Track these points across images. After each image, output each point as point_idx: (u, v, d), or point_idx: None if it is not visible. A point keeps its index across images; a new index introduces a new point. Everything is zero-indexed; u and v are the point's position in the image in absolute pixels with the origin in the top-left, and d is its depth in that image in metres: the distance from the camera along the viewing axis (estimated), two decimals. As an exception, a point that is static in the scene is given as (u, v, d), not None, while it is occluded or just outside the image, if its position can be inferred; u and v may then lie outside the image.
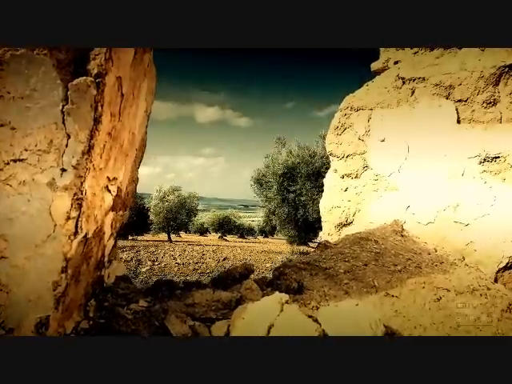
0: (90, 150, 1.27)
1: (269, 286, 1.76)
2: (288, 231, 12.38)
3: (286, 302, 1.49)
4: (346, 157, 3.16)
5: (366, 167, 3.07)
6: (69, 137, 1.23)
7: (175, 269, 9.47)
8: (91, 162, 1.29)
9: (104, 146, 1.38)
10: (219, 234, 19.90)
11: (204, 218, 21.37)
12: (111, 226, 1.63)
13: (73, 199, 1.24)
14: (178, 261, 10.71)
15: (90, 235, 1.36)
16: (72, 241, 1.26)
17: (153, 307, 1.57)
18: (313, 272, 1.94)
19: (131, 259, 10.85)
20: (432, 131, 2.86)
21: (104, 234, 1.54)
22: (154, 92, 1.98)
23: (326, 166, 11.53)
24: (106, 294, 1.63)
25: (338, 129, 3.20)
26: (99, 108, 1.28)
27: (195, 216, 15.21)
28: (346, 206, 3.10)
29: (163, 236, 15.91)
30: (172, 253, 11.82)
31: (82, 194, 1.27)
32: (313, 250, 10.70)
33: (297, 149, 11.91)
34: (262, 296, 1.67)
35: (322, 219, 3.29)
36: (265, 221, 13.39)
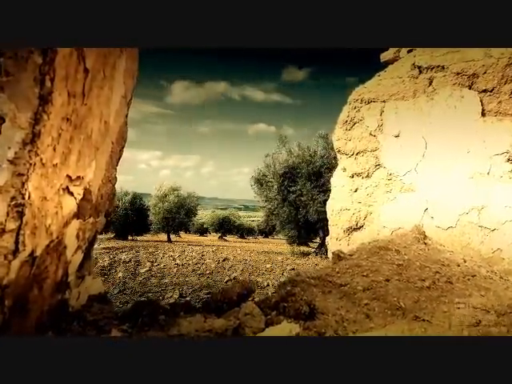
0: (34, 138, 0.92)
1: (273, 309, 1.41)
2: (288, 231, 12.07)
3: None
4: (356, 154, 2.80)
5: (378, 165, 2.72)
6: (3, 120, 0.88)
7: (174, 269, 9.15)
8: (38, 155, 0.94)
9: (60, 134, 1.03)
10: (219, 234, 19.58)
11: (204, 217, 21.05)
12: (77, 238, 1.28)
13: (10, 205, 0.89)
14: (178, 261, 10.39)
15: (39, 252, 1.02)
16: (10, 261, 0.91)
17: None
18: (325, 289, 1.59)
19: (130, 260, 10.54)
20: (453, 125, 2.51)
21: (65, 248, 1.19)
22: (136, 76, 1.63)
23: (327, 165, 11.22)
24: (71, 321, 1.28)
25: (347, 123, 2.84)
26: (48, 83, 0.93)
27: (195, 216, 14.87)
28: (355, 209, 2.75)
29: (163, 236, 15.58)
30: (171, 253, 11.50)
31: (23, 198, 0.92)
32: (313, 250, 10.34)
33: (297, 148, 11.60)
34: (266, 323, 1.32)
35: (328, 222, 2.94)
36: (265, 221, 13.07)
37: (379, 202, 2.69)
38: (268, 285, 7.23)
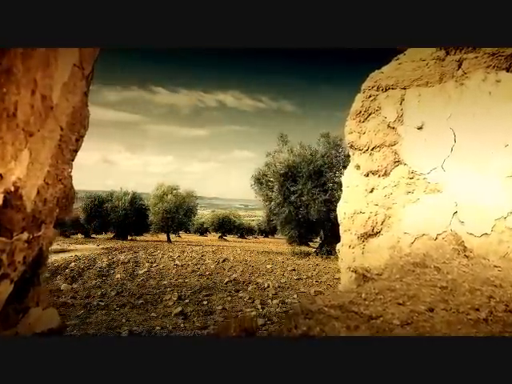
0: None
1: (283, 357, 0.99)
2: (288, 231, 11.69)
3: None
4: (372, 149, 2.38)
5: (397, 162, 2.30)
6: None
7: (173, 271, 8.74)
8: None
9: None
10: (219, 234, 19.19)
11: (204, 217, 20.68)
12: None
13: None
14: (177, 262, 9.98)
15: None
16: None
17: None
18: (351, 324, 1.17)
19: (129, 261, 10.13)
20: (487, 114, 2.09)
21: (-28, 281, 0.77)
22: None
23: (328, 165, 10.82)
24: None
25: (361, 114, 2.42)
26: None
27: (194, 216, 14.44)
28: (371, 212, 2.33)
29: (163, 236, 15.17)
30: (171, 254, 11.11)
31: None
32: (314, 250, 9.89)
33: (298, 148, 11.20)
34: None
35: (340, 227, 2.52)
36: (265, 221, 12.70)
37: (399, 204, 2.26)
38: (268, 286, 6.84)
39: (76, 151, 1.16)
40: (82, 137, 1.18)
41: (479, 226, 2.06)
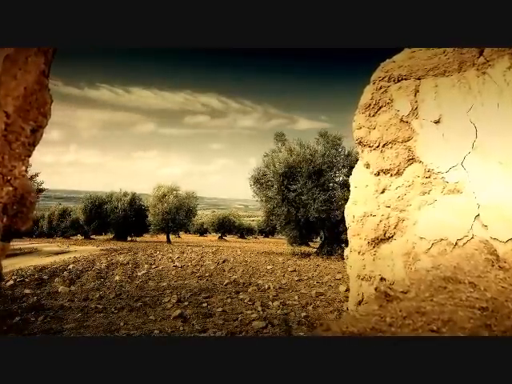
0: None
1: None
2: (289, 231, 11.46)
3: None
4: (383, 146, 2.13)
5: (411, 160, 2.05)
6: None
7: (173, 272, 8.49)
8: None
9: None
10: (219, 235, 18.96)
11: (204, 218, 20.45)
12: None
13: None
14: (177, 263, 9.73)
15: None
16: None
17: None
18: (375, 358, 0.92)
19: (128, 262, 9.88)
20: (513, 106, 1.85)
21: None
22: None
23: (328, 164, 10.58)
24: None
25: (371, 108, 2.18)
26: None
27: (194, 216, 14.18)
28: (383, 215, 2.09)
29: (163, 237, 14.93)
30: (170, 255, 10.86)
31: None
32: (315, 250, 9.62)
33: (297, 147, 10.97)
34: None
35: (348, 231, 2.28)
36: (265, 221, 12.46)
37: (414, 206, 2.02)
38: (269, 287, 6.60)
39: (33, 145, 0.92)
40: (41, 127, 0.93)
41: (504, 231, 1.81)
